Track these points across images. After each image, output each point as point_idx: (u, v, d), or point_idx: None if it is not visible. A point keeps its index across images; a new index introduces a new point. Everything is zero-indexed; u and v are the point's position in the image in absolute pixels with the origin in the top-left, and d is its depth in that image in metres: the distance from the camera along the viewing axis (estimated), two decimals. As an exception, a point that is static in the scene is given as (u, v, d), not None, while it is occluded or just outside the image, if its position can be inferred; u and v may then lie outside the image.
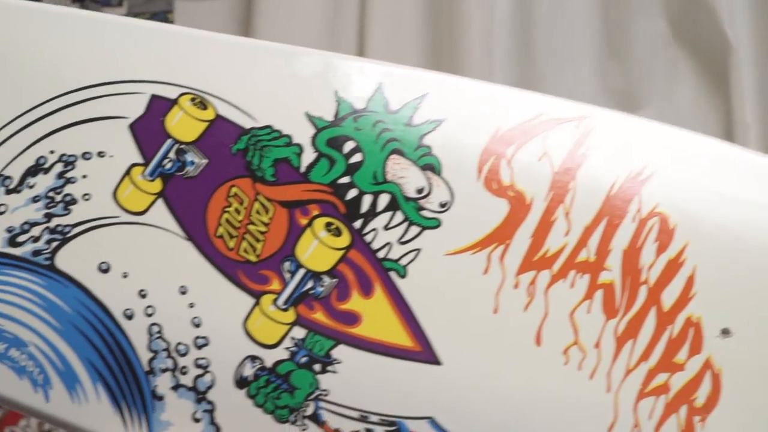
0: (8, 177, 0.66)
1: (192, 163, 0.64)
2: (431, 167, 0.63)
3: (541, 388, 0.62)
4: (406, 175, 0.63)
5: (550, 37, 1.34)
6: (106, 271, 0.65)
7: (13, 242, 0.66)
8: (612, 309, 0.62)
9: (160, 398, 0.64)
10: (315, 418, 0.62)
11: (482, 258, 0.62)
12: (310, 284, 0.63)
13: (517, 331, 0.62)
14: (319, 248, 0.63)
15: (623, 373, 0.61)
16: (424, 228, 0.63)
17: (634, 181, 0.62)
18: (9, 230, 0.66)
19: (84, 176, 0.65)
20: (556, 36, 1.34)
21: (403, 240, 0.63)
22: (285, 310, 0.63)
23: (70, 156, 0.66)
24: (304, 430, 0.63)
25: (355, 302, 0.63)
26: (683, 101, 1.33)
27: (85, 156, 0.66)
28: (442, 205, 0.63)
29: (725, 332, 0.60)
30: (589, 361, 0.62)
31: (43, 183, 0.66)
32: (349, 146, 0.64)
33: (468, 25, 1.32)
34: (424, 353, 0.62)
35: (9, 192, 0.66)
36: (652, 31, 1.33)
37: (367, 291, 0.63)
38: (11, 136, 0.67)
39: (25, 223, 0.66)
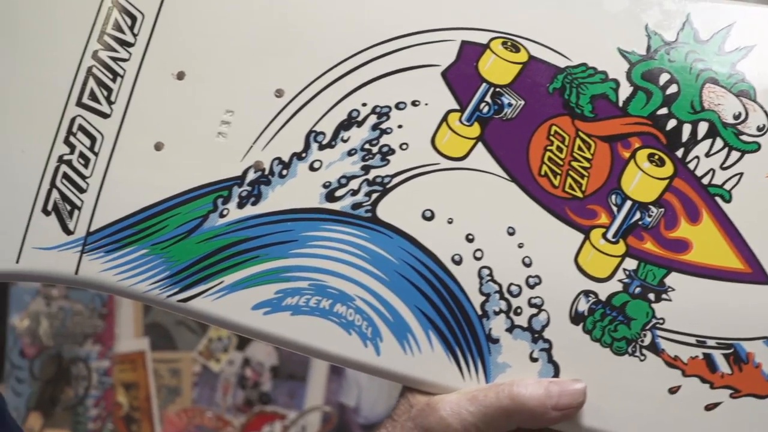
0: (320, 132, 0.70)
1: (509, 105, 0.68)
2: (746, 93, 0.68)
3: None
4: (722, 103, 0.68)
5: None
6: (430, 218, 0.68)
7: (330, 197, 0.69)
8: None
9: (496, 341, 0.67)
10: (653, 347, 0.66)
11: (805, 177, 0.66)
12: (637, 215, 0.67)
13: None
14: (643, 179, 0.67)
15: None
16: (745, 152, 0.67)
17: None
18: (326, 186, 0.69)
19: (399, 126, 0.69)
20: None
21: (725, 165, 0.67)
22: (615, 242, 0.67)
23: (384, 107, 0.70)
24: (642, 360, 0.66)
25: (683, 230, 0.67)
26: None
27: (399, 106, 0.69)
28: (760, 129, 0.67)
29: None
30: None
31: (357, 136, 0.70)
32: (664, 78, 0.68)
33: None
34: (755, 274, 0.67)
35: (322, 147, 0.70)
36: None
37: (694, 218, 0.67)
38: (320, 91, 0.71)
39: (342, 177, 0.69)
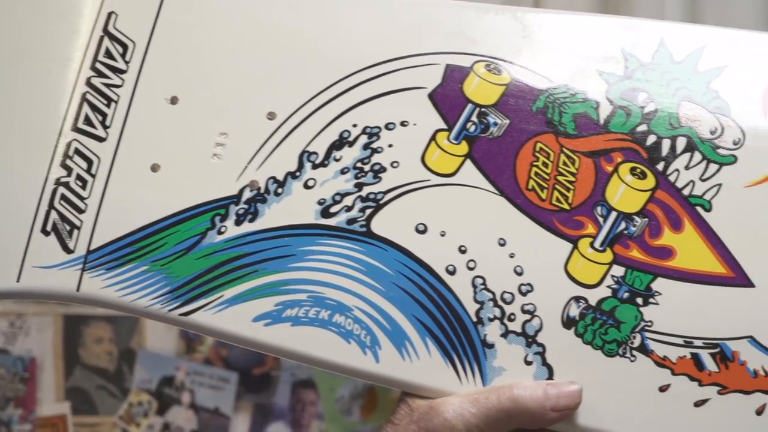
0: (313, 152, 0.80)
1: (495, 124, 0.79)
2: (721, 110, 0.79)
3: None
4: (698, 119, 0.79)
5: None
6: (423, 231, 0.78)
7: (326, 213, 0.79)
8: None
9: (491, 346, 0.77)
10: (642, 348, 0.77)
11: (779, 186, 0.78)
12: (623, 225, 0.78)
13: (821, 250, 0.77)
14: (627, 191, 0.78)
15: None
16: (722, 165, 0.78)
17: None
18: (320, 202, 0.79)
19: (390, 145, 0.80)
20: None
21: (704, 177, 0.78)
22: (602, 251, 0.77)
23: (374, 128, 0.80)
24: (632, 361, 0.76)
25: (667, 238, 0.78)
26: None
27: (389, 126, 0.80)
28: (735, 143, 0.78)
29: None
30: None
31: (349, 155, 0.80)
32: (642, 97, 0.79)
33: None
34: (738, 278, 0.77)
35: (316, 167, 0.80)
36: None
37: (677, 226, 0.77)
38: (312, 113, 0.81)
39: (336, 194, 0.79)
